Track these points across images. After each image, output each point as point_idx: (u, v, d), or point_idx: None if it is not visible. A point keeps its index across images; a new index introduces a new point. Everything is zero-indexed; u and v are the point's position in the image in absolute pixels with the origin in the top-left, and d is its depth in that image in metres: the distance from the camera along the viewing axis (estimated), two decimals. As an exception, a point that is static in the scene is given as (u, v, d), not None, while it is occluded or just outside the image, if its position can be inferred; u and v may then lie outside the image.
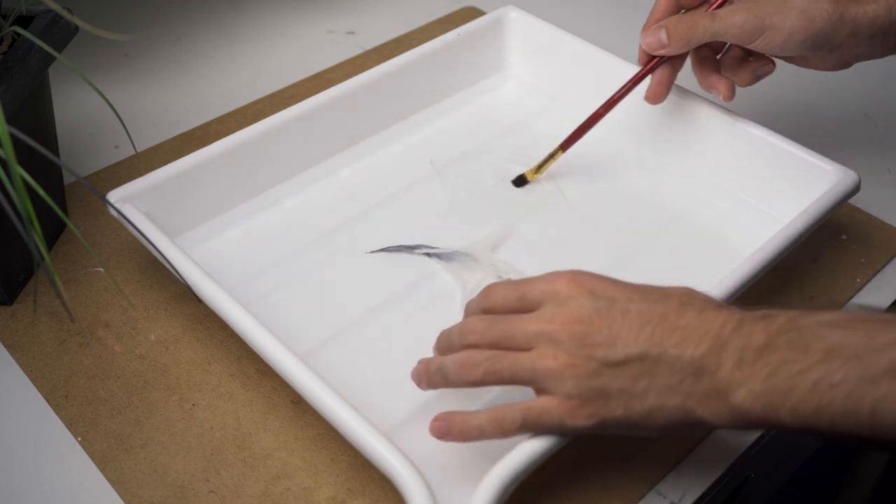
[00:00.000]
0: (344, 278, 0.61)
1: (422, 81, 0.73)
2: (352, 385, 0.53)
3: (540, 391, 0.45)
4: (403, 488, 0.45)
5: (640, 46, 0.62)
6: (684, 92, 0.67)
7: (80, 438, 0.53)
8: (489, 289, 0.49)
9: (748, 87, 0.62)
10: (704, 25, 0.58)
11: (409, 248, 0.63)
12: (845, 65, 0.60)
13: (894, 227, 0.67)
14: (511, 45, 0.77)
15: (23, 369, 0.57)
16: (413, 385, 0.54)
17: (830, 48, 0.57)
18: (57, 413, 0.55)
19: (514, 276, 0.61)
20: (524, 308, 0.47)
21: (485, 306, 0.49)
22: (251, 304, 0.58)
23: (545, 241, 0.64)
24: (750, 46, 0.58)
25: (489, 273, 0.61)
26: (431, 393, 0.54)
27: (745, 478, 0.57)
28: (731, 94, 0.61)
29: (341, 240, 0.64)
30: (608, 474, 0.52)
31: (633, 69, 0.69)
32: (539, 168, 0.67)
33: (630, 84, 0.64)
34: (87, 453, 0.53)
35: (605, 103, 0.64)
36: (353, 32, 0.87)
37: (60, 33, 0.58)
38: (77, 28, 0.59)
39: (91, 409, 0.55)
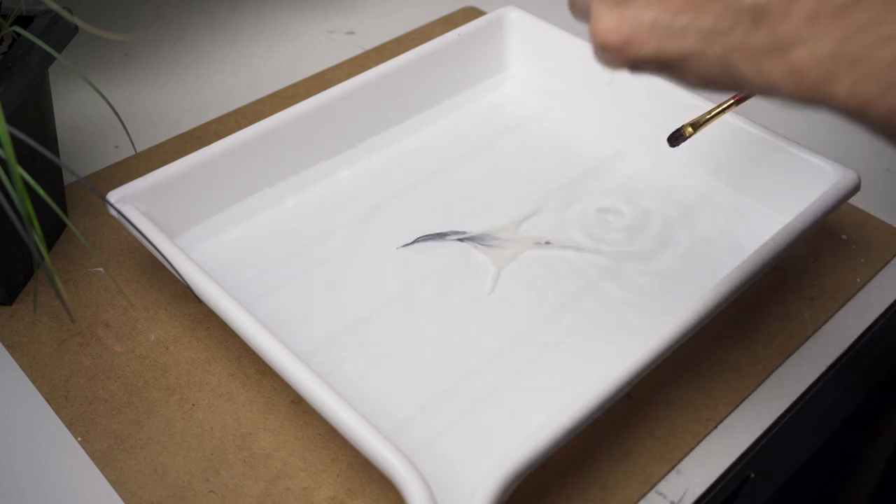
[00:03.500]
0: (344, 278, 0.61)
1: (422, 82, 0.73)
2: (352, 385, 0.53)
3: None
4: (403, 488, 0.45)
5: None
6: (684, 92, 0.67)
7: (80, 438, 0.53)
8: None
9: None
10: None
11: (441, 236, 0.64)
12: None
13: (894, 227, 0.67)
14: (511, 45, 0.77)
15: (23, 369, 0.57)
16: (413, 384, 0.55)
17: None
18: (57, 413, 0.55)
19: (550, 245, 0.63)
20: None
21: None
22: (251, 304, 0.58)
23: (554, 231, 0.64)
24: None
25: (523, 245, 0.63)
26: (431, 393, 0.54)
27: (745, 478, 0.57)
28: None
29: (341, 240, 0.64)
30: (608, 474, 0.52)
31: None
32: (703, 122, 0.56)
33: None
34: (87, 453, 0.53)
35: None
36: (353, 32, 0.87)
37: (60, 33, 0.58)
38: (77, 28, 0.59)
39: (91, 409, 0.55)
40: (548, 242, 0.62)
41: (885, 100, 0.33)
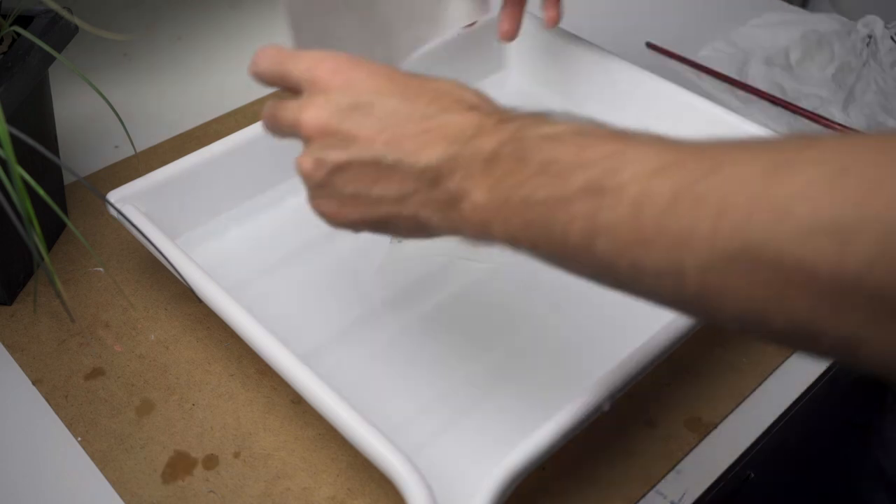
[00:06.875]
0: (344, 278, 0.61)
1: (422, 81, 0.73)
2: (352, 385, 0.53)
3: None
4: (403, 488, 0.45)
5: None
6: (684, 92, 0.67)
7: (80, 438, 0.53)
8: (258, 51, 0.49)
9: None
10: None
11: None
12: None
13: (894, 227, 0.67)
14: (511, 44, 0.77)
15: (23, 369, 0.57)
16: (413, 385, 0.55)
17: None
18: (57, 413, 0.55)
19: None
20: (288, 88, 0.47)
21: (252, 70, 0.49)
22: (252, 304, 0.58)
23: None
24: None
25: None
26: (432, 393, 0.54)
27: (745, 478, 0.57)
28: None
29: (342, 240, 0.64)
30: (608, 474, 0.52)
31: (633, 68, 0.70)
32: None
33: None
34: (87, 453, 0.53)
35: None
36: (353, 32, 0.87)
37: (60, 33, 0.58)
38: (77, 28, 0.59)
39: (91, 409, 0.55)
40: None
41: (525, 235, 0.38)
